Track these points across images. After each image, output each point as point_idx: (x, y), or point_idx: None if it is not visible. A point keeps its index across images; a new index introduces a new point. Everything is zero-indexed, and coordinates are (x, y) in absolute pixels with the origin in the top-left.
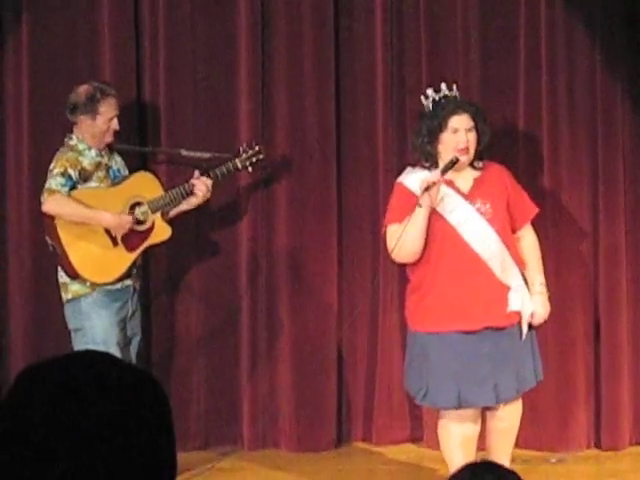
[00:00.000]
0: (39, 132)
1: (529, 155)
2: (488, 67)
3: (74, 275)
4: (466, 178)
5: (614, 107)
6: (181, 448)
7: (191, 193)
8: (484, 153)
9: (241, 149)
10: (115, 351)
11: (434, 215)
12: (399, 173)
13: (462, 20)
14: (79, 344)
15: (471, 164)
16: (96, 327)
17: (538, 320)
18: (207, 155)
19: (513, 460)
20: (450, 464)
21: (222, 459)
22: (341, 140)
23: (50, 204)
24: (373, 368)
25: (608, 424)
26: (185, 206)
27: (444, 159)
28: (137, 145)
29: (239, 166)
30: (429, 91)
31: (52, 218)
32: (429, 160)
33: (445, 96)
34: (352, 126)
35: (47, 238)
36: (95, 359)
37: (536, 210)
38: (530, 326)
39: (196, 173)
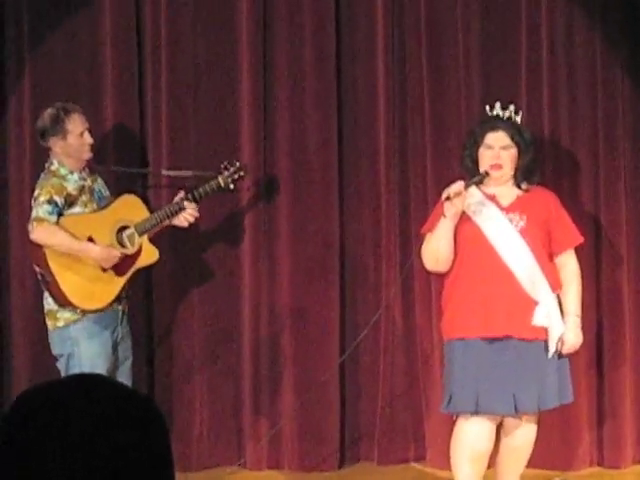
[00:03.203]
0: (41, 159)
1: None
2: (489, 80)
3: (65, 303)
4: (509, 195)
5: (615, 111)
6: (184, 468)
7: (176, 213)
8: (532, 176)
9: (222, 167)
10: None
11: (465, 221)
12: (401, 192)
13: (463, 33)
14: (66, 370)
15: (518, 185)
16: (83, 354)
17: (568, 349)
18: (188, 174)
19: None
20: (457, 478)
21: None
22: (343, 159)
23: (39, 233)
24: (376, 387)
25: (611, 442)
26: (167, 222)
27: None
28: (137, 166)
29: (222, 184)
30: (487, 108)
31: (41, 247)
32: (470, 174)
33: (496, 115)
34: (354, 145)
35: (35, 267)
36: (90, 383)
37: (580, 240)
38: (561, 354)
39: (181, 193)
